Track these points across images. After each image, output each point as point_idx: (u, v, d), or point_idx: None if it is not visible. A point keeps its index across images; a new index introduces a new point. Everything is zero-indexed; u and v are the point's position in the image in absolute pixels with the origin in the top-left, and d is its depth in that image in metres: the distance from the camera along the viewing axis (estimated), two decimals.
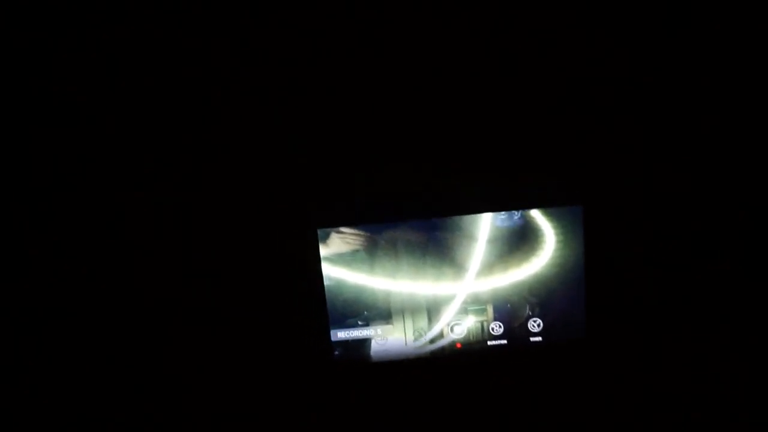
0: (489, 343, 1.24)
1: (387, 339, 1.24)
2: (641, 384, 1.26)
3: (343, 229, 1.19)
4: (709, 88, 1.16)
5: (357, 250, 1.20)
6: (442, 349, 1.25)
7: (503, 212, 1.18)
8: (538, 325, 1.23)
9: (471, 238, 1.20)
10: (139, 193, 1.19)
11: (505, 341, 1.24)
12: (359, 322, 1.23)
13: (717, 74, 1.15)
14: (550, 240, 1.20)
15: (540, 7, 1.11)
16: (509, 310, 1.23)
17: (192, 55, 1.12)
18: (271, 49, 1.13)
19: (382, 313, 1.22)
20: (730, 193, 1.21)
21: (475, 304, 1.23)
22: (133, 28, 1.10)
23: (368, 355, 1.25)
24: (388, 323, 1.23)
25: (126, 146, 1.17)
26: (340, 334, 1.23)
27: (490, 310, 1.23)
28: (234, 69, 1.14)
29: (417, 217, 1.19)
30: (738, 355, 1.25)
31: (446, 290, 1.22)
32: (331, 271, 1.20)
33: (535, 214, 1.19)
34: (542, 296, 1.22)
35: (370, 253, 1.20)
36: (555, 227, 1.19)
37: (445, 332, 1.24)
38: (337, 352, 1.24)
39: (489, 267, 1.21)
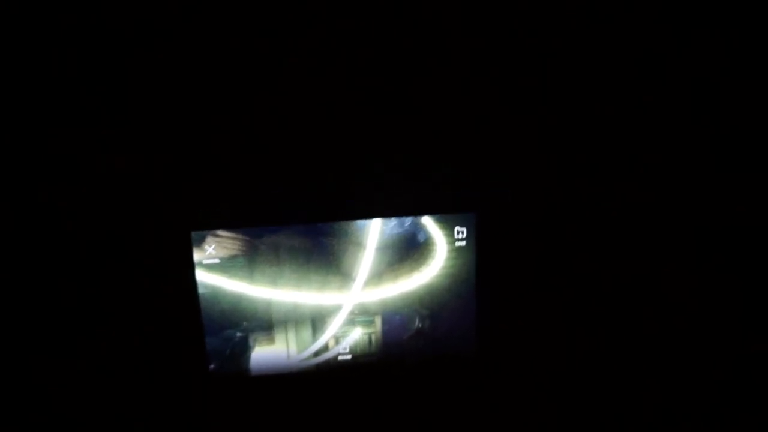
0: (376, 356, 1.17)
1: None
2: (535, 401, 1.23)
3: (219, 232, 1.09)
4: (603, 91, 1.12)
5: (235, 256, 1.10)
6: (327, 362, 1.17)
7: (393, 218, 1.11)
8: (428, 338, 1.17)
9: (359, 245, 1.12)
10: None
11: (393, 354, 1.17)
12: (237, 334, 1.13)
13: (610, 78, 1.11)
14: (441, 249, 1.13)
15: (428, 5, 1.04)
16: (398, 322, 1.16)
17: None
18: (145, 36, 1.02)
19: (262, 323, 1.13)
20: (629, 200, 1.17)
21: (362, 315, 1.15)
22: None
23: (247, 369, 1.15)
24: (269, 335, 1.14)
25: None
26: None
27: (378, 322, 1.16)
28: (113, 58, 1.02)
29: (301, 221, 1.10)
30: (638, 372, 1.22)
31: (332, 300, 1.14)
32: (206, 278, 1.10)
33: (427, 221, 1.12)
34: (433, 308, 1.15)
35: (250, 259, 1.10)
36: (447, 235, 1.13)
37: (330, 345, 1.16)
38: (212, 366, 1.14)
39: (378, 276, 1.13)
